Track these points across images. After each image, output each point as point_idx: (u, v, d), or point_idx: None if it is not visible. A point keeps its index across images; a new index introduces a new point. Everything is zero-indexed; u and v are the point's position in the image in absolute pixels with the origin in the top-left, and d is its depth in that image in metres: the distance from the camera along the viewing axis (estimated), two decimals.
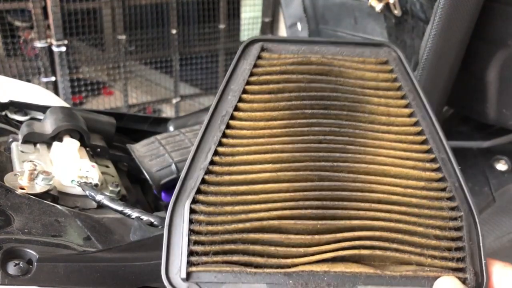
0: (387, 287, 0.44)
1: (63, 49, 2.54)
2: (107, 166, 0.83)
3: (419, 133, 0.50)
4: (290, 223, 0.46)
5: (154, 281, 0.53)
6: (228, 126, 0.49)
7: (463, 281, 0.44)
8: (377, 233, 0.46)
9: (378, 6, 0.98)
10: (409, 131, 0.50)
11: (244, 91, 0.51)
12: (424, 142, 0.50)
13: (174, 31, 2.95)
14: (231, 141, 0.49)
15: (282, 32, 2.95)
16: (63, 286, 0.48)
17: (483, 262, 0.45)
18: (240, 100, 0.50)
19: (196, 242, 0.45)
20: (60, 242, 0.54)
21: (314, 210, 0.46)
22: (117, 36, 2.81)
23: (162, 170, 0.83)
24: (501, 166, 1.05)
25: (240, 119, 0.50)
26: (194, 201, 0.46)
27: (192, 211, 0.46)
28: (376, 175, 0.48)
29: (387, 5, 0.97)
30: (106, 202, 0.67)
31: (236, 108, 0.50)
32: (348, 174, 0.48)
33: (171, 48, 3.00)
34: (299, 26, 1.27)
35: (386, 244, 0.45)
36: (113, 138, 0.91)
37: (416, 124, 0.51)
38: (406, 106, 0.51)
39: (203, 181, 0.47)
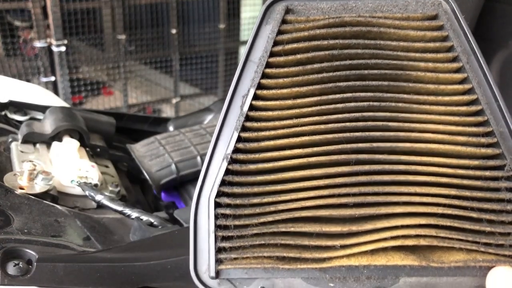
0: (433, 278, 0.41)
1: (63, 49, 2.54)
2: (107, 166, 0.83)
3: (474, 102, 0.43)
4: (325, 213, 0.42)
5: (154, 281, 0.53)
6: (251, 108, 0.44)
7: None
8: (423, 221, 0.41)
9: None
10: (462, 100, 0.43)
11: (268, 65, 0.44)
12: (479, 113, 0.43)
13: (174, 31, 2.95)
14: (255, 124, 0.44)
15: None
16: (63, 286, 0.48)
17: None
18: (264, 75, 0.44)
19: (224, 238, 0.43)
20: (59, 242, 0.54)
21: (351, 198, 0.42)
22: (117, 36, 2.81)
23: (162, 170, 0.83)
24: None
25: (264, 99, 0.44)
26: (219, 194, 0.43)
27: (217, 205, 0.43)
28: (422, 155, 0.42)
29: None
30: (106, 202, 0.67)
31: (259, 86, 0.44)
32: (390, 156, 0.42)
33: (171, 48, 3.00)
34: None
35: (433, 233, 0.41)
36: (113, 138, 0.91)
37: (470, 91, 0.43)
38: (458, 71, 0.44)
39: (227, 172, 0.43)
